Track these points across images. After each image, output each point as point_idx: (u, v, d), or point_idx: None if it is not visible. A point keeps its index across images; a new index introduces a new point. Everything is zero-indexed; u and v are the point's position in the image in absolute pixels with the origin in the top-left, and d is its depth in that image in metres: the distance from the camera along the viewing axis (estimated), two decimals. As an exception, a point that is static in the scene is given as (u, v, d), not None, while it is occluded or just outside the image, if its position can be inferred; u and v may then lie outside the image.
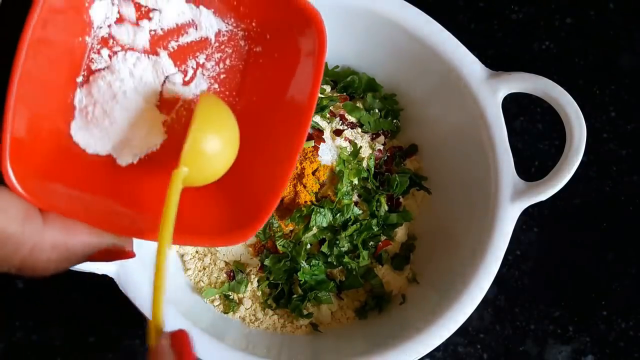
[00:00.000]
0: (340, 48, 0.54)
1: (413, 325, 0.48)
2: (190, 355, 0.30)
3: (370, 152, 0.56)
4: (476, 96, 0.50)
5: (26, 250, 0.29)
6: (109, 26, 0.35)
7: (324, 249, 0.53)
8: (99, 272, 0.45)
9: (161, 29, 0.36)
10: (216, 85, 0.38)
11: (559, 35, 0.65)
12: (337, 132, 0.55)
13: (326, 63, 0.53)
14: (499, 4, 0.66)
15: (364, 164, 0.55)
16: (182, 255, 0.54)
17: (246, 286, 0.53)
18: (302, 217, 0.52)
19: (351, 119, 0.56)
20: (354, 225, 0.53)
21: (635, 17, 0.66)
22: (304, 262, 0.52)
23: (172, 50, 0.36)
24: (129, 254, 0.34)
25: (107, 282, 0.46)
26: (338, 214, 0.53)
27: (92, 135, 0.34)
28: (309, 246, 0.53)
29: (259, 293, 0.54)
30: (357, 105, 0.57)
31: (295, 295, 0.53)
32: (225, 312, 0.53)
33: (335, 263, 0.53)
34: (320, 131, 0.54)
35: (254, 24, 0.37)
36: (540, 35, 0.65)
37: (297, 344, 0.52)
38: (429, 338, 0.46)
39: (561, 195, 0.49)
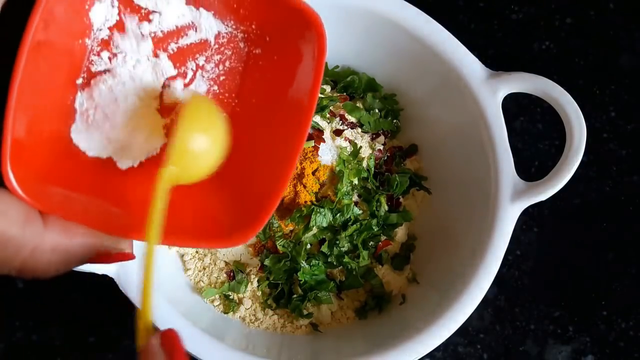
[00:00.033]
0: (340, 48, 0.54)
1: (413, 325, 0.48)
2: (181, 354, 0.29)
3: (370, 152, 0.56)
4: (476, 96, 0.50)
5: (26, 252, 0.29)
6: (109, 29, 0.35)
7: (324, 249, 0.53)
8: (99, 272, 0.45)
9: (161, 31, 0.36)
10: (216, 87, 0.38)
11: (559, 35, 0.65)
12: (337, 132, 0.55)
13: (326, 63, 0.53)
14: (499, 4, 0.66)
15: (364, 164, 0.55)
16: (182, 256, 0.54)
17: (246, 286, 0.53)
18: (302, 217, 0.52)
19: (351, 119, 0.56)
20: (354, 225, 0.53)
21: (635, 17, 0.66)
22: (304, 262, 0.52)
23: (171, 52, 0.36)
24: (129, 256, 0.34)
25: (107, 282, 0.46)
26: (338, 214, 0.53)
27: (93, 139, 0.34)
28: (309, 246, 0.53)
29: (259, 293, 0.54)
30: (357, 105, 0.57)
31: (295, 295, 0.53)
32: (225, 312, 0.53)
33: (335, 263, 0.53)
34: (320, 131, 0.54)
35: (253, 27, 0.37)
36: (540, 35, 0.65)
37: (297, 344, 0.52)
38: (429, 338, 0.46)
39: (561, 195, 0.49)
